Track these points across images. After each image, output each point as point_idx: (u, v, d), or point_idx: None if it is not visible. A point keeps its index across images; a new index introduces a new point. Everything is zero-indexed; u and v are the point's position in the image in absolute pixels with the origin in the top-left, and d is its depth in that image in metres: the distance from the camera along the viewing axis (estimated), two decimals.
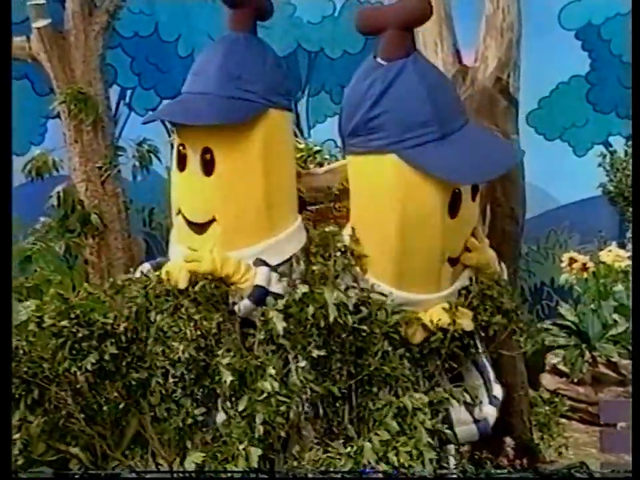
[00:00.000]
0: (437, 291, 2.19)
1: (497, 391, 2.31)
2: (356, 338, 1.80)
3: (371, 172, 2.21)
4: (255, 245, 2.27)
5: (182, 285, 2.10)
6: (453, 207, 2.17)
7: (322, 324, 1.81)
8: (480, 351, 2.23)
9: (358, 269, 2.04)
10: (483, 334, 2.21)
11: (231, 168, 2.29)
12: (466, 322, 2.11)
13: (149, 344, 1.93)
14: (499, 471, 2.54)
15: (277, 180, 2.36)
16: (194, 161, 2.31)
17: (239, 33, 2.38)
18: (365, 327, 1.80)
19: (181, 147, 2.35)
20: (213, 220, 2.31)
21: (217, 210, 2.29)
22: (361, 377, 1.79)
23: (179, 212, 2.40)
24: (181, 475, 1.81)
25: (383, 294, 2.01)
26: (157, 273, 2.22)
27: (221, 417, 1.89)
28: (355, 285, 1.91)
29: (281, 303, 1.86)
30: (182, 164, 2.35)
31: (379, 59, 2.19)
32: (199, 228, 2.32)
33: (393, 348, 1.82)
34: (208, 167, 2.29)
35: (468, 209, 2.24)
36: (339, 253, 2.00)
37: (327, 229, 2.10)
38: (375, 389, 1.79)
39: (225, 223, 2.28)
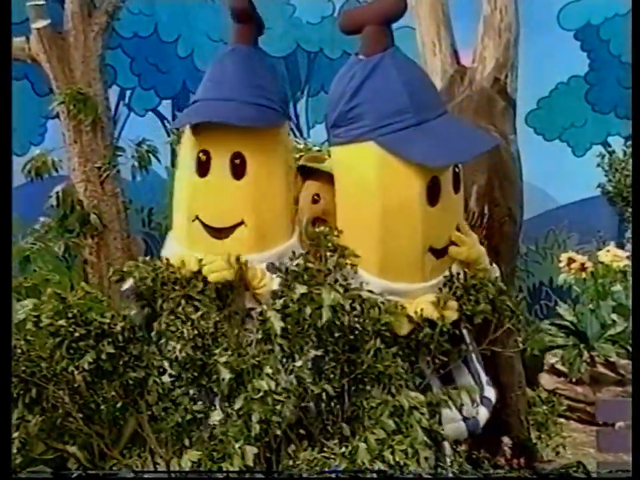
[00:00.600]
0: (421, 281, 2.22)
1: (490, 392, 2.32)
2: (348, 336, 1.81)
3: (351, 161, 2.28)
4: (278, 247, 2.32)
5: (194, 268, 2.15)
6: (433, 195, 2.22)
7: (319, 324, 1.82)
8: (470, 348, 2.23)
9: (349, 267, 2.05)
10: (470, 327, 2.21)
11: (263, 171, 2.34)
12: (450, 312, 2.12)
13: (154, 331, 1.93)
14: (496, 471, 2.55)
15: (288, 184, 2.44)
16: (220, 166, 2.33)
17: (248, 46, 2.46)
18: (357, 325, 1.80)
19: (201, 154, 2.34)
20: (240, 223, 2.32)
21: (247, 213, 2.31)
22: (354, 375, 1.79)
23: (196, 218, 2.38)
24: (178, 474, 1.82)
25: (372, 291, 2.02)
26: (167, 258, 2.22)
27: (217, 413, 1.91)
28: (346, 283, 1.92)
29: (279, 303, 1.87)
30: (203, 170, 2.35)
31: (360, 55, 2.26)
32: (221, 233, 2.34)
33: (386, 346, 1.83)
34: (238, 170, 2.32)
35: (450, 199, 2.26)
36: (328, 253, 2.01)
37: (317, 229, 2.11)
38: (368, 387, 1.80)
39: (254, 226, 2.31)
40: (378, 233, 2.19)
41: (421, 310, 2.08)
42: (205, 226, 2.38)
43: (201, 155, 2.35)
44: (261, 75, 2.44)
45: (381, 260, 2.21)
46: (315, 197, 2.62)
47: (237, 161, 2.33)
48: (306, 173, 2.72)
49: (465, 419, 2.17)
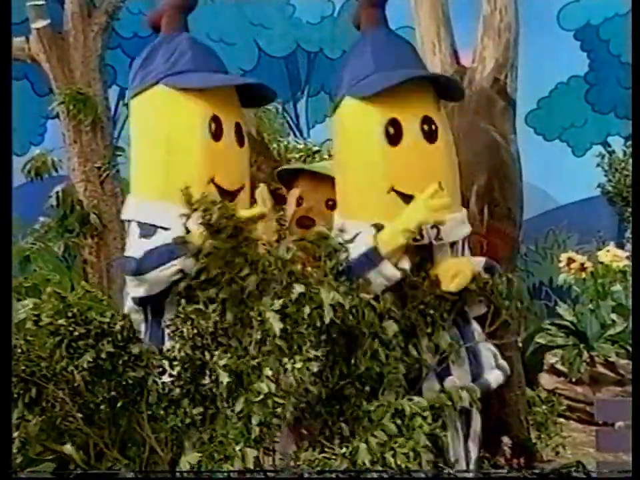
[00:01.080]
0: (385, 220, 2.27)
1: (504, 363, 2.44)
2: (347, 336, 1.81)
3: (335, 119, 2.50)
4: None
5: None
6: (393, 136, 2.32)
7: (318, 324, 1.81)
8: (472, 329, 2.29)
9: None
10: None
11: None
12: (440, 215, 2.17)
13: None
14: (497, 471, 2.55)
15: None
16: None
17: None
18: (354, 326, 1.81)
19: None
20: (242, 187, 2.43)
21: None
22: (353, 377, 1.80)
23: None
24: (177, 475, 1.82)
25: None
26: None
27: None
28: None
29: (277, 303, 1.87)
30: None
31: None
32: (232, 195, 2.40)
33: (383, 347, 1.83)
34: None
35: (418, 144, 2.33)
36: (324, 254, 2.02)
37: (316, 229, 2.11)
38: (367, 388, 1.80)
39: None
40: (338, 177, 2.43)
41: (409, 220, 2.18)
42: (219, 189, 2.39)
43: (212, 121, 2.41)
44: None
45: (345, 202, 2.38)
46: (299, 200, 2.66)
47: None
48: (287, 180, 2.78)
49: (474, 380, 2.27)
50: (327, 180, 2.59)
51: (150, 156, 2.53)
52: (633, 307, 2.60)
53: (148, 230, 2.36)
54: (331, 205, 2.59)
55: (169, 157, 2.47)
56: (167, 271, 2.19)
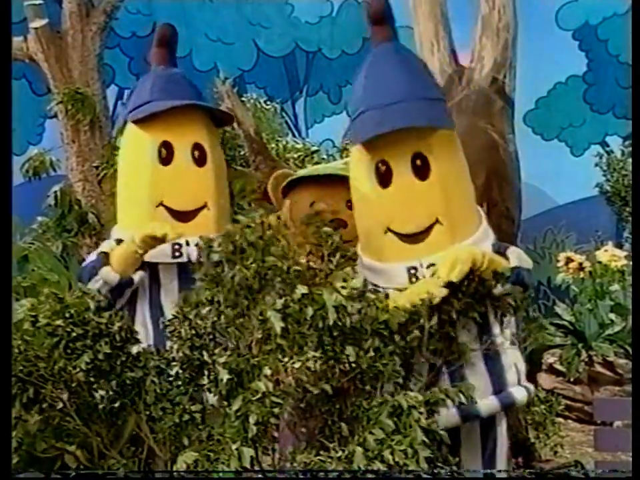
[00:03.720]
0: (385, 261, 2.30)
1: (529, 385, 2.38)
2: (348, 336, 1.81)
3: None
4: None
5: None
6: (383, 177, 2.31)
7: (320, 325, 1.81)
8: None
9: (349, 268, 2.05)
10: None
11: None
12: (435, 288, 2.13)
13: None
14: (496, 471, 2.55)
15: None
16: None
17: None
18: (356, 324, 1.80)
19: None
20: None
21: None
22: (354, 375, 1.80)
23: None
24: (175, 475, 1.82)
25: (377, 290, 2.03)
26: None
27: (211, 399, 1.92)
28: (345, 284, 1.92)
29: (279, 303, 1.87)
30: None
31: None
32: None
33: (384, 345, 1.83)
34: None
35: (408, 183, 2.30)
36: (327, 253, 2.01)
37: (322, 229, 2.11)
38: (368, 387, 1.80)
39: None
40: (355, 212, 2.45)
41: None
42: (170, 211, 2.52)
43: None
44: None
45: (360, 237, 2.42)
46: (313, 205, 2.62)
47: (196, 152, 2.55)
48: (290, 185, 2.72)
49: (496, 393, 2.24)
50: (343, 181, 2.57)
51: (118, 189, 2.75)
52: (633, 306, 2.60)
53: None
54: (350, 206, 2.56)
55: (123, 186, 2.68)
56: (95, 285, 2.42)
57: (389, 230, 2.33)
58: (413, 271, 2.27)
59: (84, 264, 2.63)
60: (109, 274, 2.45)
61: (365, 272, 2.36)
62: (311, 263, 2.01)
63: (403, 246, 2.32)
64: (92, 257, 2.60)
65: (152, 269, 2.54)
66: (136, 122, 2.62)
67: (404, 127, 2.25)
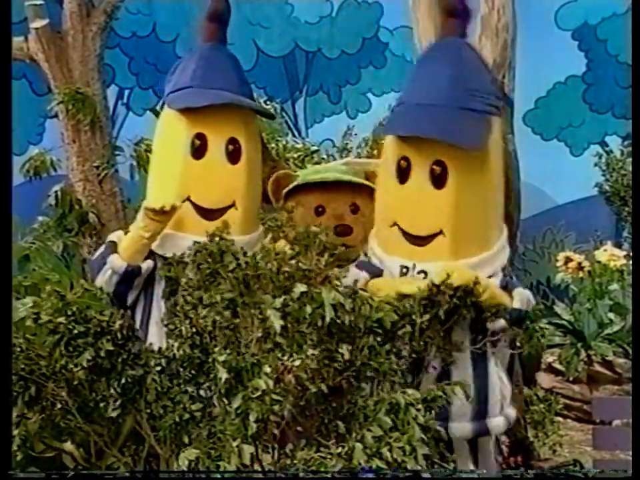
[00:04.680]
0: (386, 253, 2.35)
1: (511, 410, 2.38)
2: (347, 334, 1.82)
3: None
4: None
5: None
6: (402, 173, 2.33)
7: (319, 323, 1.83)
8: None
9: (336, 269, 2.08)
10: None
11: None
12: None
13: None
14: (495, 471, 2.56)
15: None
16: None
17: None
18: (349, 322, 1.82)
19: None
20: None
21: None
22: (350, 373, 1.81)
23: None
24: (174, 475, 1.83)
25: (364, 290, 2.06)
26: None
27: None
28: (338, 282, 1.93)
29: (278, 302, 1.88)
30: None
31: None
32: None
33: (379, 343, 1.84)
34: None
35: (425, 186, 2.31)
36: (314, 252, 2.03)
37: (309, 229, 2.12)
38: (363, 385, 1.81)
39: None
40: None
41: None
42: (196, 207, 2.44)
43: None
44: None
45: (375, 222, 2.46)
46: (319, 209, 2.62)
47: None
48: (295, 188, 2.71)
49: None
50: (347, 185, 2.58)
51: (149, 172, 2.66)
52: (633, 306, 2.61)
53: None
54: (354, 210, 2.56)
55: (156, 174, 2.57)
56: (104, 276, 2.39)
57: (396, 224, 2.36)
58: (404, 270, 2.29)
59: (93, 257, 2.56)
60: (117, 261, 2.39)
61: (372, 257, 2.38)
62: (300, 264, 2.02)
63: (404, 243, 2.34)
64: (101, 249, 2.52)
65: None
66: (172, 108, 2.50)
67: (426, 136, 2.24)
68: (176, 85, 2.51)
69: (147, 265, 2.44)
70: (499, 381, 2.36)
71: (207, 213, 2.45)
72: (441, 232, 2.31)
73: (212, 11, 2.62)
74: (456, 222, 2.30)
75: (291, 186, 2.69)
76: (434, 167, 2.29)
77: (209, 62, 2.55)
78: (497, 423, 2.35)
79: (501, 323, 2.19)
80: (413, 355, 2.02)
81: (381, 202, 2.44)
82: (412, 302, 2.08)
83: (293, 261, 1.95)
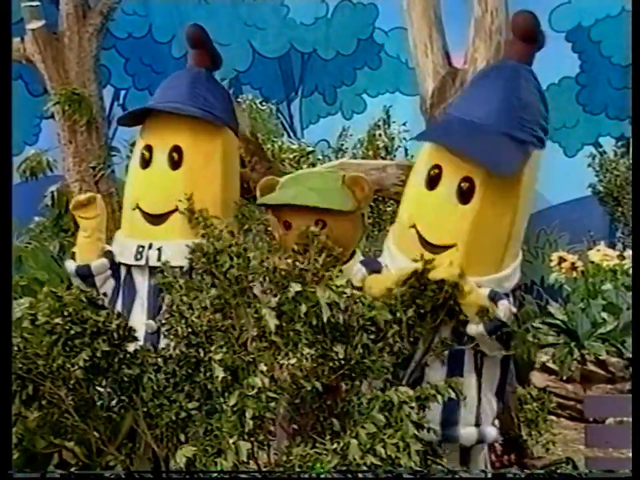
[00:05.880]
0: (408, 256, 2.36)
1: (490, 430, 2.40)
2: (341, 333, 1.85)
3: None
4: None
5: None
6: (432, 181, 2.40)
7: (314, 322, 1.85)
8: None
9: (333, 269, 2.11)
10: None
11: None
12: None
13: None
14: (495, 471, 2.59)
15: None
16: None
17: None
18: (342, 321, 1.84)
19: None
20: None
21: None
22: (343, 371, 1.83)
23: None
24: (173, 475, 1.84)
25: (359, 288, 2.09)
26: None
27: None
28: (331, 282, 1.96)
29: (274, 301, 1.90)
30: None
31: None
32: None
33: (373, 341, 1.87)
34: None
35: (450, 198, 2.36)
36: (313, 252, 2.05)
37: (310, 229, 2.14)
38: (357, 383, 1.83)
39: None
40: None
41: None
42: (143, 213, 2.59)
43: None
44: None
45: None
46: (286, 223, 2.57)
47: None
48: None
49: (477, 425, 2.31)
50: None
51: None
52: (633, 306, 2.64)
53: None
54: (322, 225, 2.55)
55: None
56: (75, 280, 2.57)
57: (414, 227, 2.40)
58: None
59: None
60: (69, 264, 2.62)
61: (385, 252, 2.47)
62: (297, 263, 2.04)
63: (418, 246, 2.37)
64: None
65: (128, 270, 2.61)
66: (128, 124, 2.74)
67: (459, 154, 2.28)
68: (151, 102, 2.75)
69: (98, 262, 2.60)
70: (482, 396, 2.37)
71: (153, 219, 2.59)
72: (454, 245, 2.34)
73: (189, 38, 2.80)
74: (470, 240, 2.33)
75: (260, 201, 2.68)
76: (462, 182, 2.33)
77: (173, 78, 2.76)
78: (468, 433, 2.32)
79: (480, 328, 2.22)
80: (405, 351, 2.04)
81: (406, 203, 2.49)
82: (397, 296, 2.11)
83: (290, 260, 1.97)
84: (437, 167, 2.39)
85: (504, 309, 2.24)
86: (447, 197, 2.36)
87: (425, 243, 2.38)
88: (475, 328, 2.23)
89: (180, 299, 2.03)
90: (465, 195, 2.33)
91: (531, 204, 2.52)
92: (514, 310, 2.30)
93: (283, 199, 2.58)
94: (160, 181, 2.60)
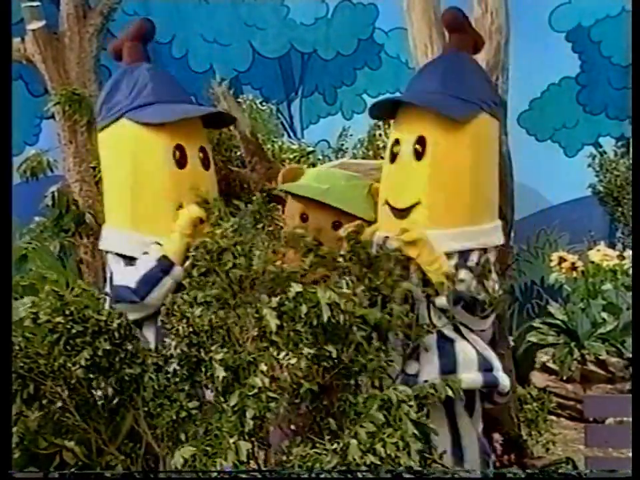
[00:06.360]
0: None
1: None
2: (340, 333, 1.85)
3: None
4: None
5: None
6: (393, 155, 2.57)
7: (315, 322, 1.85)
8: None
9: (323, 268, 2.12)
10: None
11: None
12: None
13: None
14: (495, 471, 2.60)
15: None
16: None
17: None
18: (342, 321, 1.85)
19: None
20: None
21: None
22: (339, 370, 1.84)
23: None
24: (173, 475, 1.85)
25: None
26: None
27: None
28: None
29: (274, 301, 1.91)
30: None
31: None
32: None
33: (367, 340, 1.87)
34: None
35: (410, 164, 2.52)
36: (301, 253, 2.06)
37: (295, 231, 2.16)
38: (352, 382, 1.84)
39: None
40: None
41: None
42: (390, 207, 2.54)
43: (175, 150, 2.57)
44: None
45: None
46: (303, 216, 2.63)
47: (202, 155, 2.64)
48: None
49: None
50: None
51: (118, 188, 2.69)
52: (633, 306, 2.64)
53: (128, 259, 2.56)
54: (337, 226, 2.58)
55: (136, 189, 2.63)
56: (162, 289, 2.43)
57: (386, 202, 2.55)
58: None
59: (144, 272, 2.50)
60: (180, 271, 2.44)
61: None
62: (284, 265, 2.05)
63: (391, 218, 2.53)
64: (150, 264, 2.49)
65: None
66: (143, 123, 2.60)
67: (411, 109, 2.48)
68: (133, 101, 2.63)
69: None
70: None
71: (398, 212, 2.56)
72: (418, 203, 2.47)
73: (142, 32, 2.84)
74: (430, 192, 2.47)
75: (285, 187, 2.73)
76: (417, 144, 2.49)
77: (162, 78, 2.76)
78: (471, 377, 2.37)
79: (443, 300, 2.28)
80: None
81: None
82: None
83: (278, 262, 1.98)
84: (397, 140, 2.56)
85: (464, 277, 2.31)
86: (405, 161, 2.52)
87: (395, 212, 2.51)
88: (439, 300, 2.29)
89: (181, 297, 2.04)
90: (419, 154, 2.49)
91: (493, 167, 2.61)
92: (473, 281, 2.33)
93: (312, 193, 2.62)
94: (198, 180, 2.61)
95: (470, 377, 2.34)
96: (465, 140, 2.49)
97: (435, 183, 2.47)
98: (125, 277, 2.50)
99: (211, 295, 1.95)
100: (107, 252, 2.67)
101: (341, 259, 2.21)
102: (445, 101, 2.48)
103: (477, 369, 2.37)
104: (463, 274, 2.34)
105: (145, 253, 2.53)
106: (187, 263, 2.29)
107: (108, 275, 2.65)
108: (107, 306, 2.31)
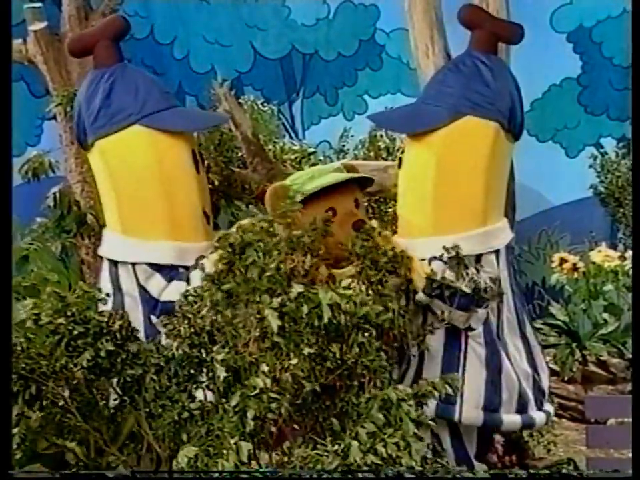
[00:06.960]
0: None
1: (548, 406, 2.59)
2: (330, 331, 1.86)
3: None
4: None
5: None
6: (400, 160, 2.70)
7: (316, 323, 1.86)
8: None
9: (320, 269, 2.13)
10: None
11: (410, 158, 2.61)
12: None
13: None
14: (495, 471, 2.60)
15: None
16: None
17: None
18: (343, 322, 1.85)
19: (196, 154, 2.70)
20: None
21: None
22: (341, 371, 1.84)
23: (203, 212, 2.69)
24: (175, 475, 1.85)
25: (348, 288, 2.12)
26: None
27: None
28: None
29: (276, 302, 1.91)
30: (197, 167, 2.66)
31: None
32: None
33: (368, 340, 1.88)
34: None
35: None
36: (300, 254, 2.07)
37: (293, 232, 2.16)
38: (355, 382, 1.84)
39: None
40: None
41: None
42: (207, 217, 2.61)
43: (192, 155, 2.60)
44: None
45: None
46: (329, 211, 2.62)
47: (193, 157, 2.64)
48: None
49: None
50: (346, 183, 2.62)
51: (140, 195, 2.56)
52: (633, 306, 2.65)
53: (164, 269, 2.50)
54: (357, 205, 2.63)
55: (170, 197, 2.53)
56: None
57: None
58: None
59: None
60: None
61: None
62: (282, 266, 2.06)
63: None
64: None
65: None
66: (160, 129, 2.52)
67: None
68: (144, 107, 2.53)
69: None
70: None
71: (208, 220, 2.64)
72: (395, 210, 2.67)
73: (121, 31, 2.73)
74: (400, 196, 2.63)
75: (298, 198, 2.66)
76: (401, 153, 2.67)
77: (155, 81, 2.76)
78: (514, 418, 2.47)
79: (421, 295, 2.30)
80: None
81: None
82: None
83: (274, 264, 1.98)
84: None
85: (435, 268, 2.36)
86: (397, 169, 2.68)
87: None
88: (418, 296, 2.36)
89: (185, 297, 2.05)
90: (400, 163, 2.64)
91: (474, 169, 2.58)
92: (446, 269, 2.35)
93: (331, 180, 2.60)
94: (205, 183, 2.73)
95: (510, 419, 2.41)
96: (429, 143, 2.51)
97: (403, 186, 2.61)
98: (180, 290, 2.31)
99: (222, 290, 1.95)
100: (134, 264, 2.53)
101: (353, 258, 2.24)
102: (409, 113, 2.62)
103: (516, 408, 2.43)
104: (434, 265, 2.36)
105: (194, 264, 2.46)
106: (210, 254, 2.26)
107: (133, 287, 2.53)
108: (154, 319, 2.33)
